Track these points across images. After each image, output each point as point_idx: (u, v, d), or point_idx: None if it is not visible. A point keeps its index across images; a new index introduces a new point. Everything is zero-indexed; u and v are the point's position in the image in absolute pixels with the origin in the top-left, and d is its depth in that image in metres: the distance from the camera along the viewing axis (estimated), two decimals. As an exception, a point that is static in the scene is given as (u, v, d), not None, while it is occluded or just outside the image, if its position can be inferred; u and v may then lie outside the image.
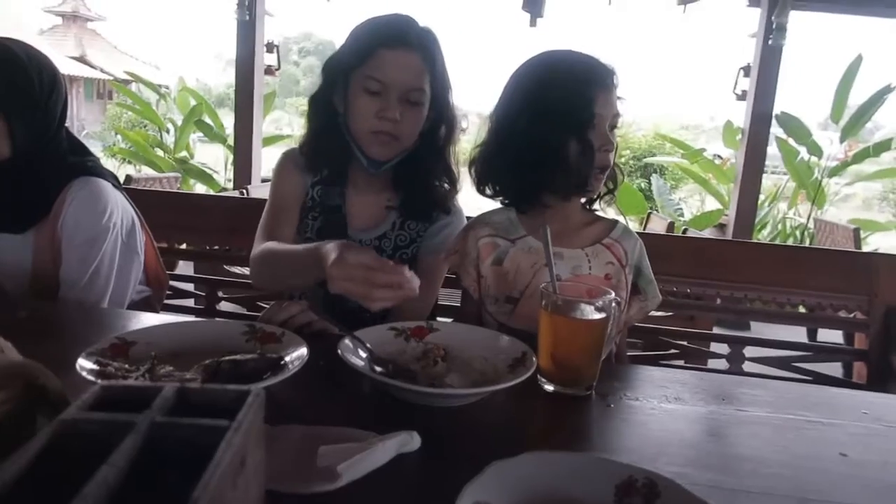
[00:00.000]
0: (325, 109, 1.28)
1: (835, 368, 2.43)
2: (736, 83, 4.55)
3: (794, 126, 4.93)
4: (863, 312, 1.71)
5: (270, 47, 4.75)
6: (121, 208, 1.40)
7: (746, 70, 4.38)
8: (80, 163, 1.40)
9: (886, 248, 5.78)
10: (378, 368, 0.86)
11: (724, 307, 1.80)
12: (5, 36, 1.35)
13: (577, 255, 1.19)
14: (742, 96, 4.44)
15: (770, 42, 3.97)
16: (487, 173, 1.21)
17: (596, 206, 1.27)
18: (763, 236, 5.72)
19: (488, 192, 1.23)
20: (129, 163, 7.13)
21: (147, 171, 6.22)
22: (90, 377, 0.73)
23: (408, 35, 1.18)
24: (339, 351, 0.85)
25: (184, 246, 2.08)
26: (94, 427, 0.47)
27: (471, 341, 0.97)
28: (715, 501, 0.57)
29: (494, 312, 1.22)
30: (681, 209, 6.12)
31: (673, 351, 1.80)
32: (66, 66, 20.89)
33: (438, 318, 1.36)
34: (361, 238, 1.31)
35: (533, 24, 4.86)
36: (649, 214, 4.61)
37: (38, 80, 1.31)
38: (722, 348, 1.77)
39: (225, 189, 5.55)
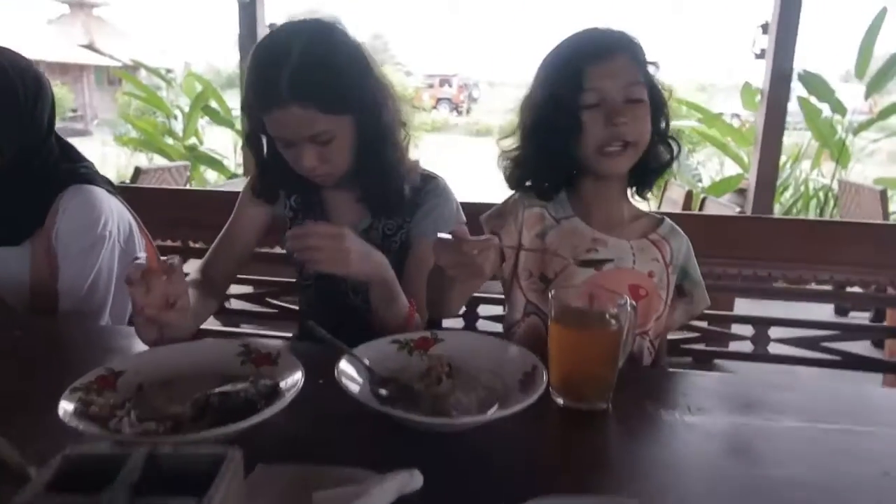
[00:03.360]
0: (260, 143, 1.23)
1: (863, 344, 2.34)
2: (754, 42, 4.38)
3: (816, 84, 4.74)
4: (894, 287, 1.63)
5: (273, 28, 4.65)
6: (116, 215, 1.35)
7: (765, 27, 4.21)
8: (73, 170, 1.35)
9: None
10: (380, 391, 0.82)
11: (748, 287, 1.73)
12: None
13: (621, 245, 1.14)
14: (761, 55, 4.27)
15: (789, -4, 3.79)
16: (517, 163, 1.18)
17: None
18: (785, 199, 5.57)
19: (525, 182, 1.18)
20: (142, 151, 7.11)
21: (158, 161, 6.20)
22: (72, 423, 0.69)
23: (276, 92, 1.04)
24: (336, 375, 0.80)
25: (200, 244, 2.05)
26: (50, 512, 0.43)
27: (478, 352, 0.92)
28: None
29: (525, 288, 1.17)
30: (699, 174, 5.96)
31: (694, 334, 1.73)
32: (76, 54, 20.96)
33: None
34: None
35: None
36: (667, 182, 4.49)
37: (22, 88, 1.26)
38: (745, 329, 1.70)
39: (235, 175, 5.51)
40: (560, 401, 0.85)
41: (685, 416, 0.83)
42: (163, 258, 0.94)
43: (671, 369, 1.16)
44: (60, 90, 17.71)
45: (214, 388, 0.80)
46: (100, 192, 1.33)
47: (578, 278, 1.12)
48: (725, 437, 0.79)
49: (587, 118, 1.06)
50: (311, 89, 1.05)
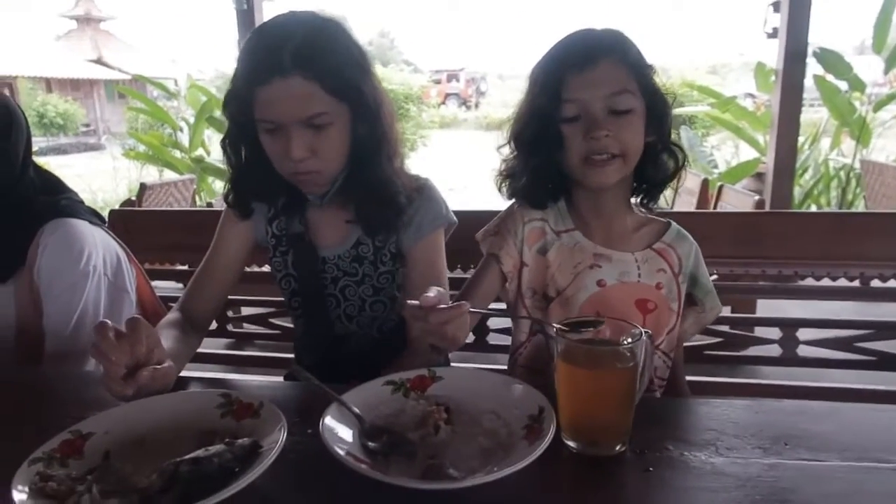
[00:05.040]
0: (241, 151, 1.13)
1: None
2: (766, 20, 4.24)
3: (832, 61, 4.56)
4: (931, 282, 1.52)
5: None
6: (101, 247, 1.29)
7: (776, 5, 4.06)
8: (52, 203, 1.29)
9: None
10: (371, 444, 0.74)
11: (772, 287, 1.63)
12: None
13: (625, 259, 1.06)
14: (773, 34, 4.13)
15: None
16: (510, 172, 1.11)
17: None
18: (805, 181, 5.39)
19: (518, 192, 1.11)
20: (152, 164, 7.09)
21: (168, 174, 6.18)
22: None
23: (279, 61, 0.96)
24: (321, 432, 0.72)
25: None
26: None
27: (479, 391, 0.84)
28: None
29: (530, 307, 1.10)
30: (714, 160, 5.80)
31: (717, 339, 1.63)
32: (85, 69, 21.13)
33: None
34: (338, 253, 1.19)
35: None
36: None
37: None
38: (771, 332, 1.60)
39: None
40: (572, 445, 0.76)
41: (713, 458, 0.74)
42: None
43: (694, 397, 1.07)
44: (72, 105, 17.99)
45: (191, 446, 0.73)
46: (81, 225, 1.27)
47: (581, 295, 1.04)
48: (761, 482, 0.70)
49: (567, 131, 0.99)
50: (315, 62, 0.99)
